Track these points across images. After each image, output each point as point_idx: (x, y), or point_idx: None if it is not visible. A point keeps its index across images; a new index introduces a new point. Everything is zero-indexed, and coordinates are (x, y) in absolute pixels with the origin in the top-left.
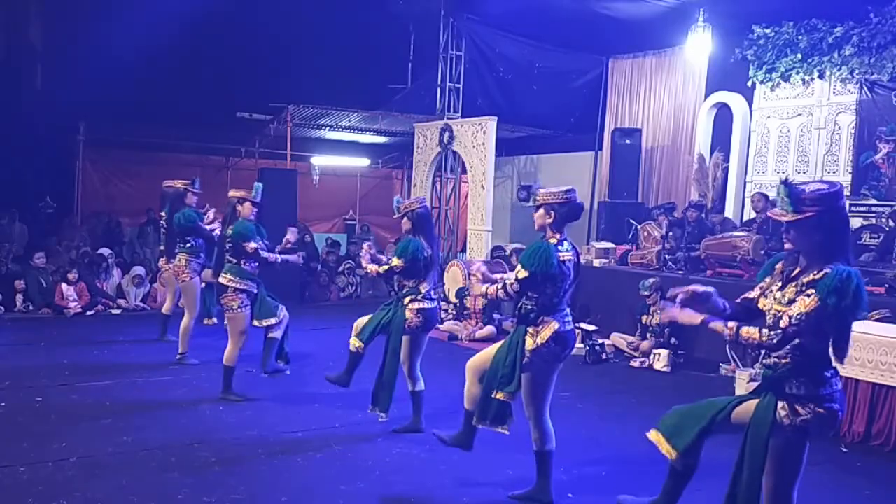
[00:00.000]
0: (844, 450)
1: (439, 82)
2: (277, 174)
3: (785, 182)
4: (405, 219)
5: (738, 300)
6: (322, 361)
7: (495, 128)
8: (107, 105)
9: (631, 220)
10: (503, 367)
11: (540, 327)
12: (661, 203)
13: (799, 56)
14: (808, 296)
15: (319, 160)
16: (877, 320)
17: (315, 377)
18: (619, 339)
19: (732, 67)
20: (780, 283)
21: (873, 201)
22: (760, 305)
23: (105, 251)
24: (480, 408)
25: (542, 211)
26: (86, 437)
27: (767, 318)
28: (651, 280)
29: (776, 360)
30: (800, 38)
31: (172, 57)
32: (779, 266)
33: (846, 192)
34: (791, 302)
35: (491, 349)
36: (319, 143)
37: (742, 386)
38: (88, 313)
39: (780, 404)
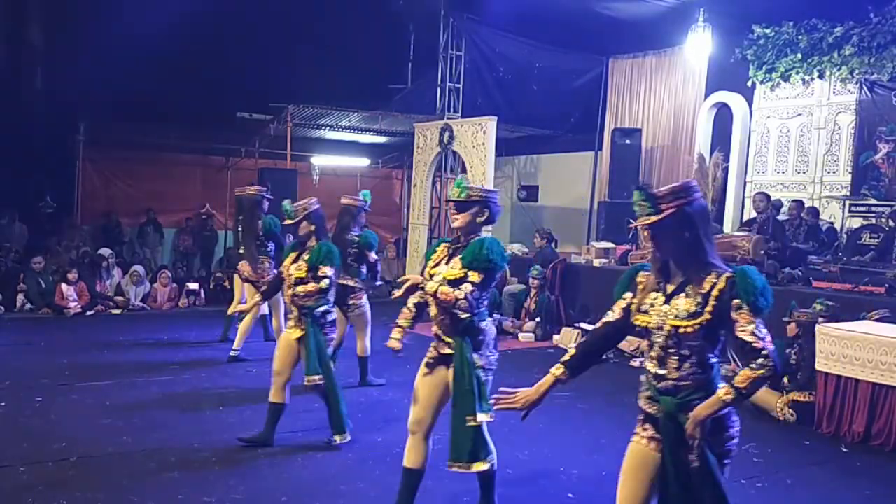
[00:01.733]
0: (844, 450)
1: (439, 82)
2: (277, 174)
3: (639, 186)
4: (304, 222)
5: (600, 325)
6: None
7: (495, 128)
8: (107, 105)
9: (631, 220)
10: (470, 391)
11: (481, 336)
12: None
13: (799, 56)
14: (720, 302)
15: (319, 160)
16: (877, 320)
17: None
18: None
19: (732, 67)
20: (662, 297)
21: (873, 201)
22: (640, 322)
23: (105, 251)
24: (456, 447)
25: (476, 208)
26: (86, 437)
27: (657, 336)
28: None
29: (674, 382)
30: (800, 38)
31: (172, 57)
32: (642, 278)
33: (846, 192)
34: (695, 315)
35: (426, 397)
36: (319, 143)
37: None
38: (88, 313)
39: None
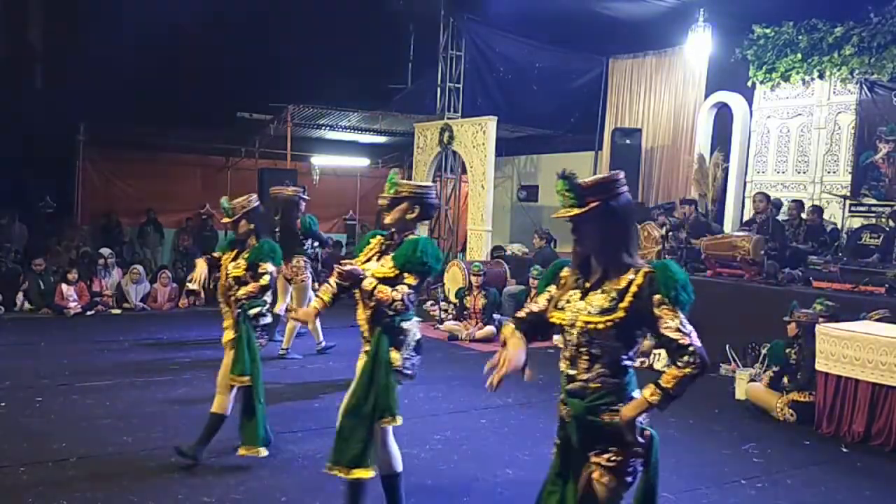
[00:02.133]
0: (844, 450)
1: (439, 82)
2: (277, 174)
3: (563, 175)
4: (243, 221)
5: (525, 314)
6: (323, 360)
7: (495, 128)
8: (107, 105)
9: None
10: (383, 391)
11: (402, 336)
12: (661, 203)
13: (799, 56)
14: (637, 299)
15: (319, 160)
16: (877, 320)
17: (315, 376)
18: None
19: (732, 67)
20: (579, 293)
21: (873, 201)
22: (556, 319)
23: (105, 251)
24: (341, 449)
25: (405, 204)
26: (86, 437)
27: (569, 334)
28: None
29: (583, 384)
30: (800, 38)
31: (172, 57)
32: (565, 273)
33: (846, 192)
34: (608, 311)
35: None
36: (319, 143)
37: (742, 386)
38: (88, 313)
39: (594, 467)
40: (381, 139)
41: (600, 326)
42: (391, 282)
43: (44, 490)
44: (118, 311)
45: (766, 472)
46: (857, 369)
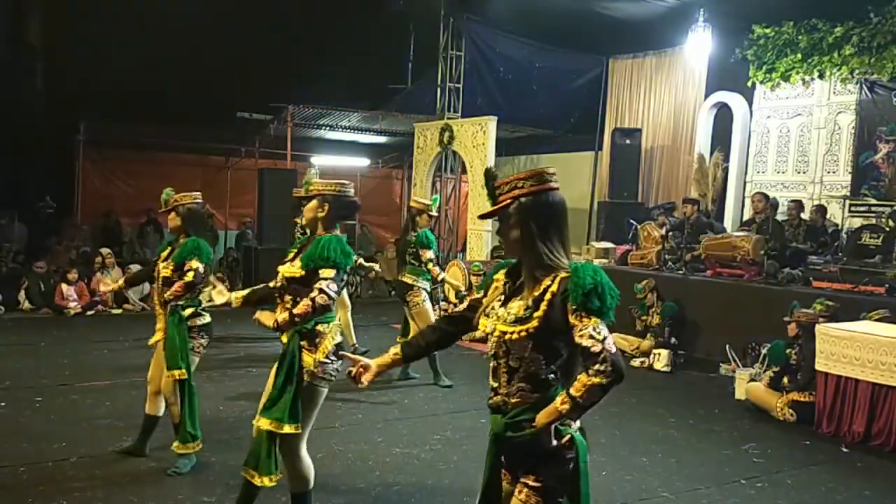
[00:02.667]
0: (845, 449)
1: (439, 82)
2: (277, 174)
3: (487, 172)
4: (173, 213)
5: (466, 308)
6: None
7: (495, 128)
8: (107, 105)
9: (631, 220)
10: (275, 391)
11: (318, 339)
12: (661, 203)
13: (799, 56)
14: (551, 308)
15: (319, 160)
16: (877, 320)
17: None
18: (619, 340)
19: (732, 67)
20: (501, 299)
21: (873, 201)
22: (480, 327)
23: (104, 251)
24: (252, 450)
25: (314, 203)
26: (86, 437)
27: (491, 343)
28: (644, 282)
29: (504, 398)
30: (800, 38)
31: (172, 57)
32: (498, 276)
33: (846, 192)
34: (522, 320)
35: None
36: (319, 143)
37: (742, 386)
38: (88, 313)
39: (519, 487)
40: (381, 139)
41: (514, 337)
42: (300, 281)
43: (44, 490)
44: (118, 311)
45: (766, 472)
46: (857, 369)
